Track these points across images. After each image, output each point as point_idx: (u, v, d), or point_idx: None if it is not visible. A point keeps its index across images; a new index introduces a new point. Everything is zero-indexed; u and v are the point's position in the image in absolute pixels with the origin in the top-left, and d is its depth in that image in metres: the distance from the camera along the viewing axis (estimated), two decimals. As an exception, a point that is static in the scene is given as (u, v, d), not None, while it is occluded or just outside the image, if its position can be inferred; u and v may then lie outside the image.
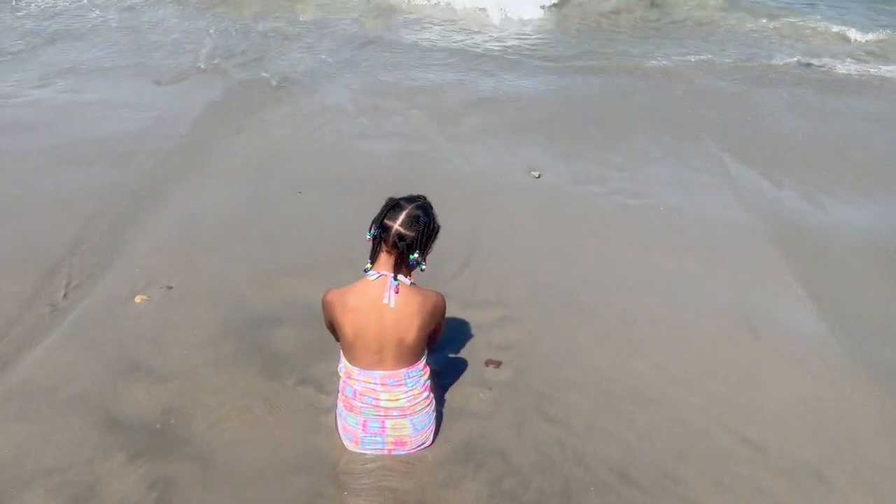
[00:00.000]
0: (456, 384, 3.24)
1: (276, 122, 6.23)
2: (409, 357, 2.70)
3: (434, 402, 2.86)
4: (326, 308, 2.74)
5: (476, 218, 4.73)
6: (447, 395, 3.15)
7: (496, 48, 9.07)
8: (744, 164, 5.90)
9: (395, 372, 2.70)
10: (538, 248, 4.48)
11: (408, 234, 2.61)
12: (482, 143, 6.04)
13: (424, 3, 10.80)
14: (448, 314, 3.00)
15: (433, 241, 2.72)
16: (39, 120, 5.98)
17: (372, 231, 2.67)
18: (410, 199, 2.69)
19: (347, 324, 2.66)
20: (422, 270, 2.71)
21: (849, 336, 3.80)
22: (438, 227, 2.73)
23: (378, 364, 2.69)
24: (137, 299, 3.69)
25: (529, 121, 6.61)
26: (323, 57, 8.29)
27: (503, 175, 5.43)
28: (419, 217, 2.63)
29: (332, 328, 2.83)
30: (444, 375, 3.23)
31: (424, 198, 2.75)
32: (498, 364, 3.38)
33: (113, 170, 5.10)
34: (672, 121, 6.83)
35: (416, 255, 2.64)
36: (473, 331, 3.62)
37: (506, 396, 3.19)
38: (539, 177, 5.40)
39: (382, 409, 2.72)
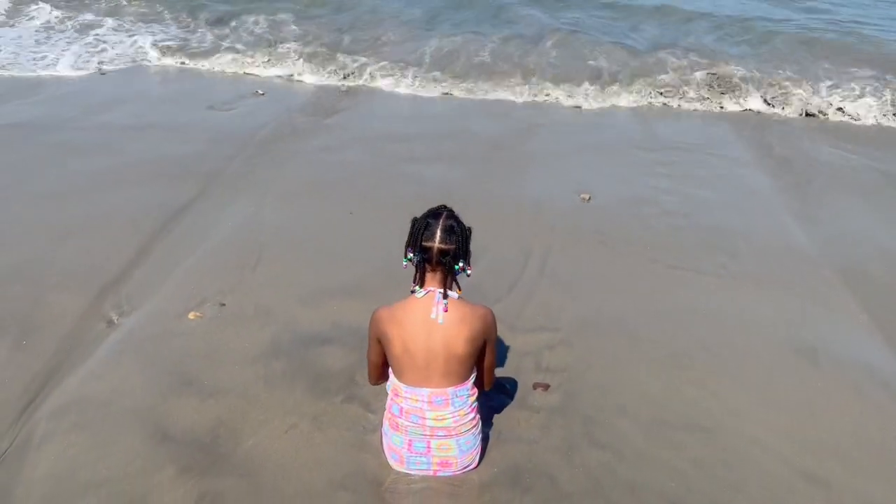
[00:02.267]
0: (503, 407, 3.20)
1: (327, 146, 6.34)
2: (457, 374, 2.69)
3: (480, 423, 2.83)
4: (375, 323, 2.75)
5: (524, 240, 4.71)
6: (494, 418, 3.11)
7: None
8: (800, 189, 5.75)
9: (442, 390, 2.68)
10: (588, 271, 4.42)
11: (449, 247, 2.63)
12: (532, 166, 6.03)
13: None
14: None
15: (469, 243, 2.74)
16: (106, 142, 6.21)
17: (409, 256, 2.69)
18: (436, 214, 2.70)
19: (395, 337, 2.67)
20: (468, 276, 2.72)
21: (916, 367, 3.64)
22: (470, 228, 2.75)
23: (425, 381, 2.68)
24: (191, 316, 3.76)
25: (578, 144, 6.58)
26: (376, 82, 8.44)
27: (552, 197, 5.40)
28: (453, 227, 2.66)
29: (375, 351, 2.83)
30: (491, 397, 3.19)
31: (446, 206, 2.77)
32: (546, 387, 3.33)
33: (171, 190, 5.25)
34: (719, 145, 6.72)
35: (461, 264, 2.66)
36: (521, 353, 3.58)
37: (554, 420, 3.13)
38: (589, 199, 5.35)
39: (428, 428, 2.70)
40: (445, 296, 2.65)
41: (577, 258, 4.56)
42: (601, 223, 5.04)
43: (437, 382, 2.68)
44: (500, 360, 3.48)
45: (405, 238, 2.75)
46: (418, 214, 2.76)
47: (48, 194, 5.13)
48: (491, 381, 2.94)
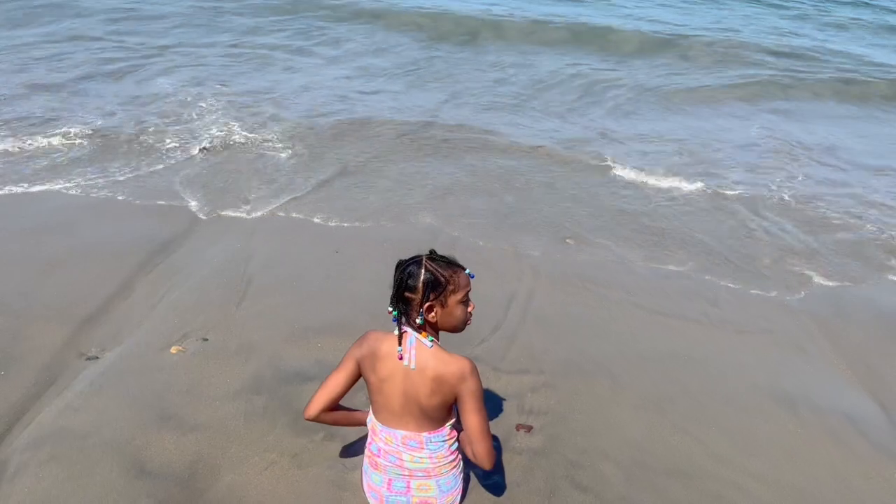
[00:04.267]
0: (485, 448, 3.18)
1: (314, 187, 6.38)
2: (431, 420, 2.64)
3: (462, 463, 2.81)
4: (362, 341, 2.69)
5: (508, 283, 4.74)
6: (476, 459, 3.10)
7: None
8: (781, 240, 5.86)
9: (416, 434, 2.65)
10: (571, 314, 4.45)
11: (411, 296, 2.56)
12: (517, 212, 6.10)
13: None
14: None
15: (436, 293, 2.56)
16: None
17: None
18: (412, 259, 2.61)
19: (374, 370, 2.63)
20: (431, 324, 2.61)
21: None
22: (432, 279, 2.55)
23: (400, 424, 2.64)
24: (173, 350, 3.74)
25: (563, 191, 6.67)
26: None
27: (538, 242, 5.46)
28: (412, 272, 2.56)
29: (344, 369, 2.73)
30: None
31: (424, 255, 2.63)
32: (529, 429, 3.33)
33: (157, 224, 5.25)
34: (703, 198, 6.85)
35: (421, 311, 2.56)
36: (504, 395, 3.58)
37: (536, 463, 3.13)
38: (574, 244, 5.41)
39: (407, 469, 2.68)
40: (414, 333, 2.58)
41: (561, 301, 4.60)
42: (585, 268, 5.09)
43: (411, 426, 2.64)
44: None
45: (391, 278, 2.65)
46: (404, 256, 2.67)
47: (32, 226, 5.12)
48: (485, 452, 2.61)
